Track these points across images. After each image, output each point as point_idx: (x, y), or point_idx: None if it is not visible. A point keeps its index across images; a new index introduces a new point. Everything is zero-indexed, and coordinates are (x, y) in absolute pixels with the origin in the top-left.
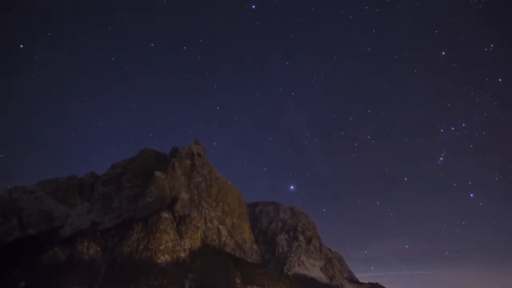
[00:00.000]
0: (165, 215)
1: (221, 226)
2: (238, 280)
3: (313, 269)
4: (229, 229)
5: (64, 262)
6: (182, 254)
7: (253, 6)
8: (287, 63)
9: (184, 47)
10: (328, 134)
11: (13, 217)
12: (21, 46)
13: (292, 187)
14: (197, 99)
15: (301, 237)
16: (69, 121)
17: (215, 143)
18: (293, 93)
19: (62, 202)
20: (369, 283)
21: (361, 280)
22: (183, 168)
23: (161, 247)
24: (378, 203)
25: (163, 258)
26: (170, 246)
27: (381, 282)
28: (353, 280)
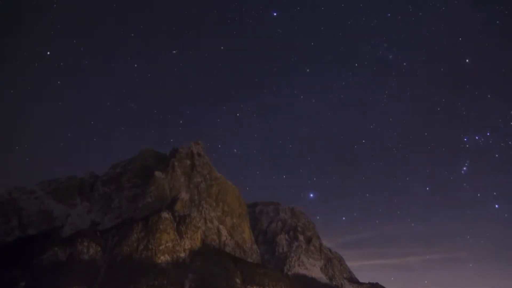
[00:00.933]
0: (165, 215)
1: (221, 226)
2: (238, 280)
3: (313, 269)
4: (229, 229)
5: (64, 262)
6: (182, 254)
7: (274, 14)
8: (308, 70)
9: (206, 54)
10: (349, 142)
11: (13, 217)
12: (48, 53)
13: (311, 195)
14: (217, 105)
15: (301, 237)
16: (69, 121)
17: (235, 150)
18: (313, 100)
19: (62, 202)
20: (369, 283)
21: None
22: (183, 168)
23: (161, 247)
24: (398, 212)
25: (163, 258)
26: (170, 246)
27: None
28: (353, 280)
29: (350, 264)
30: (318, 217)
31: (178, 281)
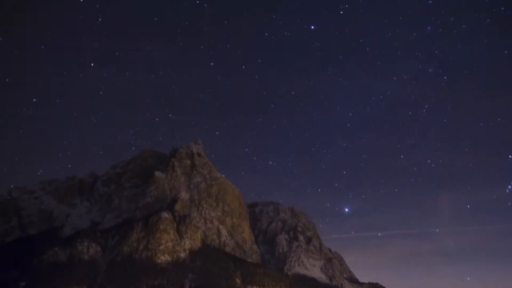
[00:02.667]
0: (165, 215)
1: (221, 226)
2: (238, 280)
3: (313, 269)
4: (229, 229)
5: (64, 262)
6: (182, 254)
7: (312, 27)
8: (346, 83)
9: (243, 66)
10: (387, 156)
11: (13, 217)
12: (92, 64)
13: (347, 209)
14: (253, 118)
15: (301, 237)
16: (69, 121)
17: (270, 162)
18: (350, 114)
19: (62, 202)
20: (369, 283)
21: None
22: (183, 168)
23: (161, 247)
24: (437, 230)
25: (163, 258)
26: (170, 246)
27: None
28: (353, 280)
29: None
30: (353, 232)
31: (178, 281)
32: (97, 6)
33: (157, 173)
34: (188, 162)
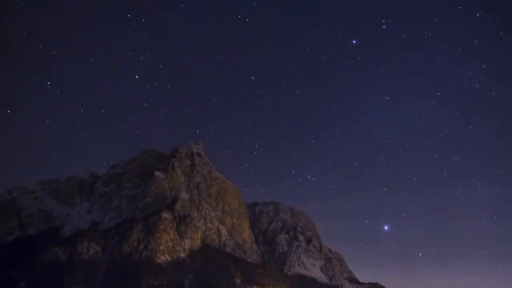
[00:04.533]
0: (165, 215)
1: (221, 226)
2: (238, 280)
3: (313, 269)
4: (229, 229)
5: (64, 262)
6: (182, 254)
7: (354, 42)
8: (387, 98)
9: (283, 81)
10: (429, 173)
11: (13, 217)
12: (136, 76)
13: (386, 227)
14: (292, 132)
15: (301, 237)
16: (69, 121)
17: (309, 176)
18: (392, 130)
19: (62, 202)
20: (369, 283)
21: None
22: (183, 168)
23: (161, 247)
24: (482, 253)
25: (163, 258)
26: (170, 246)
27: None
28: (353, 280)
29: None
30: (392, 251)
31: (178, 281)
32: (143, 20)
33: (157, 173)
34: (188, 162)
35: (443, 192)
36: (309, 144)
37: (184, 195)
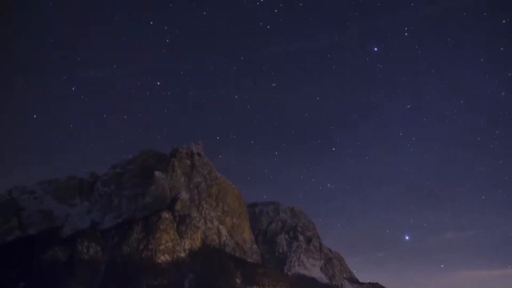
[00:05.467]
0: (165, 215)
1: (221, 226)
2: (238, 280)
3: (313, 269)
4: (229, 229)
5: (64, 262)
6: (182, 254)
7: (375, 49)
8: (409, 106)
9: (304, 88)
10: (451, 183)
11: (13, 217)
12: (158, 83)
13: (407, 237)
14: (313, 139)
15: (301, 237)
16: (69, 121)
17: (329, 185)
18: (413, 138)
19: (62, 202)
20: (369, 283)
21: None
22: (183, 168)
23: (161, 247)
24: (509, 267)
25: (163, 258)
26: (170, 246)
27: None
28: (353, 280)
29: None
30: (411, 263)
31: (178, 281)
32: (165, 28)
33: (157, 173)
34: (188, 162)
35: (466, 204)
36: (329, 152)
37: (184, 195)
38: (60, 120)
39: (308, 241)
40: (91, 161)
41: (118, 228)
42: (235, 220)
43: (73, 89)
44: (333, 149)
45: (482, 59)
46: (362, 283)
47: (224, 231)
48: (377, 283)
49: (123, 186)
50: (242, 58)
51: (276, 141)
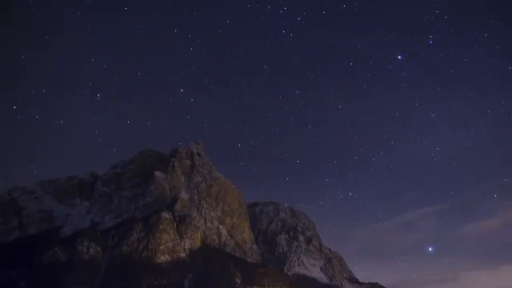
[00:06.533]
0: (165, 215)
1: (221, 226)
2: (238, 280)
3: (313, 269)
4: (229, 229)
5: (64, 262)
6: (182, 254)
7: (399, 57)
8: (434, 115)
9: (327, 95)
10: (475, 195)
11: (13, 217)
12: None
13: (430, 249)
14: (339, 149)
15: (301, 237)
16: (69, 121)
17: (350, 193)
18: (437, 148)
19: (62, 202)
20: (369, 283)
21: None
22: (183, 168)
23: (161, 247)
24: None
25: (163, 258)
26: (170, 246)
27: None
28: (353, 280)
29: None
30: (432, 272)
31: (178, 281)
32: (189, 36)
33: (157, 173)
34: (188, 162)
35: (495, 214)
36: (352, 161)
37: (184, 195)
38: (60, 119)
39: (308, 241)
40: (91, 161)
41: (118, 228)
42: (235, 220)
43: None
44: (355, 158)
45: (508, 68)
46: (362, 283)
47: (224, 231)
48: (377, 283)
49: (123, 186)
50: (265, 67)
51: (299, 149)
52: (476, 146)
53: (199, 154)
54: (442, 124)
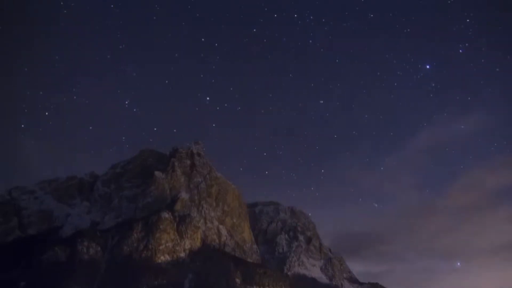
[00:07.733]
0: (165, 215)
1: (221, 226)
2: (238, 280)
3: (313, 269)
4: (229, 229)
5: (64, 262)
6: (182, 254)
7: (427, 67)
8: (463, 127)
9: (353, 105)
10: (507, 204)
11: (13, 217)
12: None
13: (458, 264)
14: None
15: (301, 237)
16: (69, 121)
17: (376, 205)
18: (471, 157)
19: (62, 202)
20: (369, 283)
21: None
22: (183, 168)
23: (161, 247)
24: None
25: (163, 258)
26: (170, 246)
27: None
28: (353, 280)
29: None
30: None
31: (178, 281)
32: (216, 45)
33: (157, 173)
34: (188, 162)
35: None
36: (379, 171)
37: (184, 195)
38: (60, 119)
39: (308, 241)
40: (91, 161)
41: (118, 228)
42: (235, 220)
43: (74, 90)
44: (381, 168)
45: None
46: (362, 283)
47: (224, 231)
48: (377, 283)
49: (123, 186)
50: (291, 75)
51: (324, 160)
52: (509, 158)
53: (199, 154)
54: (473, 135)
